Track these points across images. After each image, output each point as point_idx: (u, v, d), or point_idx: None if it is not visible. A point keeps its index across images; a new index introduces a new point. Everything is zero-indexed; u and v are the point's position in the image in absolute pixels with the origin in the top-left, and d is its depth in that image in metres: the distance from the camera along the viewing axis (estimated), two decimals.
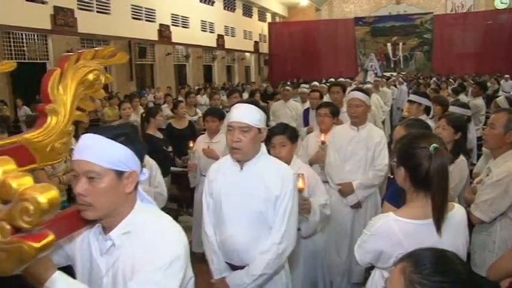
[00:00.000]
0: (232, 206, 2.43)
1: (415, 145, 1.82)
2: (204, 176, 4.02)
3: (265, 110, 7.67)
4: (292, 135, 3.23)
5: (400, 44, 27.78)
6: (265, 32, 30.40)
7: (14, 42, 13.26)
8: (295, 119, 7.00)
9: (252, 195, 2.38)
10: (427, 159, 1.76)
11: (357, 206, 3.96)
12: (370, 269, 2.11)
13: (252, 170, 2.42)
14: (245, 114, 2.38)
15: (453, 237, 1.80)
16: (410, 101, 4.52)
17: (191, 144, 4.65)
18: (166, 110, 8.85)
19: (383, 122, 8.89)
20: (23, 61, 13.73)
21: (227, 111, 5.57)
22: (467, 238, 1.91)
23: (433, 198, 1.76)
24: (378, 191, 4.12)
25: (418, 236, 1.74)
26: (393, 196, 2.43)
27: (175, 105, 6.54)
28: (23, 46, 13.59)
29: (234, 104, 4.71)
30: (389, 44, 27.94)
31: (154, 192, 3.61)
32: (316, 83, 12.05)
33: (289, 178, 2.43)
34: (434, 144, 1.76)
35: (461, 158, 3.11)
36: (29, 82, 15.57)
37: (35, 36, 13.97)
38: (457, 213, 1.87)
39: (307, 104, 6.91)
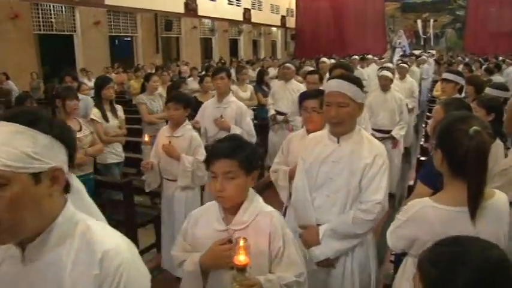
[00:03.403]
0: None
1: (454, 127, 1.72)
2: (167, 179, 3.80)
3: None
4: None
5: (431, 20, 26.97)
6: (293, 6, 29.95)
7: (42, 14, 13.37)
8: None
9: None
10: (465, 142, 1.66)
11: (325, 265, 2.49)
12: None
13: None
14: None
15: (493, 227, 1.70)
16: (446, 80, 4.35)
17: (146, 138, 3.70)
18: (192, 83, 8.83)
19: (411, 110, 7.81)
20: (51, 32, 13.86)
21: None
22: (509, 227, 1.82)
23: (469, 183, 1.67)
24: (372, 239, 2.61)
25: (455, 224, 1.66)
26: (428, 176, 2.34)
27: (202, 79, 6.49)
28: (51, 18, 13.68)
29: (220, 87, 4.48)
30: (419, 21, 27.16)
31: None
32: (325, 59, 10.34)
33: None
34: (474, 127, 1.66)
35: (497, 142, 2.98)
36: (57, 53, 15.83)
37: (63, 8, 14.05)
38: (498, 200, 1.76)
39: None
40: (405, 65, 8.17)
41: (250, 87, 7.21)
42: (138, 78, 10.27)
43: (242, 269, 1.64)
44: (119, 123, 4.91)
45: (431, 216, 1.72)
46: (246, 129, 4.45)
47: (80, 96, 4.82)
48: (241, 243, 1.63)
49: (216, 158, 1.79)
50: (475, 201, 1.66)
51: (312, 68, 7.44)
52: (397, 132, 5.60)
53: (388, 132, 5.60)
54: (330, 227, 2.41)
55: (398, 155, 5.89)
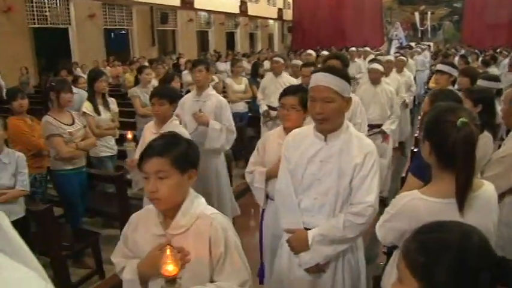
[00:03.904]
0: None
1: (441, 118, 1.71)
2: None
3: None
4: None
5: (429, 13, 26.94)
6: None
7: (36, 7, 13.28)
8: None
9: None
10: (452, 134, 1.64)
11: (315, 271, 2.37)
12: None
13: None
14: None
15: (481, 217, 1.69)
16: (440, 71, 4.33)
17: (129, 135, 3.55)
18: (187, 76, 8.78)
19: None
20: (45, 26, 13.77)
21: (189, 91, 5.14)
22: (497, 217, 1.81)
23: (457, 175, 1.66)
24: (361, 241, 2.53)
25: (443, 216, 1.64)
26: (419, 168, 2.33)
27: None
28: (46, 11, 13.59)
29: (198, 80, 4.22)
30: (417, 13, 27.11)
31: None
32: (310, 51, 9.63)
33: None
34: (462, 119, 1.64)
35: (485, 134, 2.98)
36: (52, 47, 15.75)
37: (57, 1, 13.95)
38: (486, 191, 1.75)
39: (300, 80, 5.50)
40: (403, 58, 8.03)
41: (245, 80, 7.19)
42: (133, 71, 10.22)
43: (171, 280, 1.51)
44: (112, 116, 4.89)
45: (419, 209, 1.71)
46: (226, 124, 4.26)
47: (75, 89, 4.80)
48: (168, 252, 1.51)
49: (146, 157, 1.67)
50: (463, 193, 1.65)
51: (301, 62, 7.32)
52: (388, 127, 5.45)
53: (379, 126, 5.45)
54: (320, 232, 2.28)
55: (389, 152, 5.70)
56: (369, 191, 2.22)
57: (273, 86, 6.25)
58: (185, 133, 3.57)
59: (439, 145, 1.70)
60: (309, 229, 2.31)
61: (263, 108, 6.35)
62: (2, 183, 3.26)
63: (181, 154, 1.70)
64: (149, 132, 3.62)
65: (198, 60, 4.71)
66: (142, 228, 1.80)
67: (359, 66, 10.44)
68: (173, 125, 3.58)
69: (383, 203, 5.16)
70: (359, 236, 2.33)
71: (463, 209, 1.66)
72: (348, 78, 2.27)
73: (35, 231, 3.59)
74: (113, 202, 4.29)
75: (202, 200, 1.81)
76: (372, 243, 4.36)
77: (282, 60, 6.73)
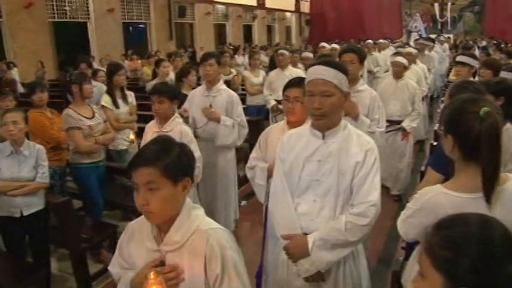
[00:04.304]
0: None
1: (463, 110, 1.66)
2: None
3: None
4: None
5: (449, 4, 26.36)
6: None
7: (56, 2, 13.40)
8: None
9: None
10: (476, 125, 1.60)
11: (315, 279, 2.20)
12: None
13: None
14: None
15: (509, 212, 1.62)
16: (461, 63, 4.23)
17: (131, 136, 3.39)
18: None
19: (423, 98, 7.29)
20: (65, 20, 13.91)
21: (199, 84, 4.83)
22: None
23: (483, 167, 1.61)
24: (363, 248, 2.39)
25: (468, 210, 1.61)
26: (438, 162, 2.29)
27: None
28: (65, 6, 13.71)
29: (209, 74, 4.07)
30: (436, 4, 26.56)
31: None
32: (324, 43, 9.44)
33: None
34: (484, 108, 1.60)
35: (508, 126, 2.91)
36: (71, 41, 15.91)
37: None
38: (511, 186, 1.68)
39: None
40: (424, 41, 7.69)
41: (262, 73, 7.16)
42: (151, 65, 10.27)
43: None
44: (130, 109, 4.92)
45: (444, 204, 1.66)
46: (238, 119, 4.17)
47: (94, 83, 4.83)
48: (152, 276, 1.41)
49: (134, 166, 1.51)
50: (490, 185, 1.61)
51: (311, 54, 7.16)
52: (408, 124, 5.23)
53: (399, 123, 5.25)
54: (320, 236, 2.11)
55: (410, 151, 5.52)
56: (371, 189, 2.09)
57: (279, 81, 5.86)
58: (188, 132, 3.53)
59: (463, 138, 1.66)
60: (308, 234, 2.15)
61: (271, 103, 6.18)
62: (23, 175, 3.31)
63: (173, 162, 1.52)
64: (151, 131, 3.56)
65: (208, 53, 4.52)
66: (136, 240, 1.67)
67: (376, 59, 10.28)
68: (175, 123, 3.51)
69: (400, 201, 5.16)
70: (362, 238, 2.16)
71: (490, 201, 1.61)
72: (346, 72, 2.15)
73: (55, 223, 3.63)
74: (132, 195, 4.31)
75: (200, 211, 1.65)
76: (389, 241, 4.33)
77: (287, 53, 6.55)
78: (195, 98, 4.28)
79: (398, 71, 5.34)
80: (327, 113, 2.07)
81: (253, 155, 2.97)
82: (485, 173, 1.61)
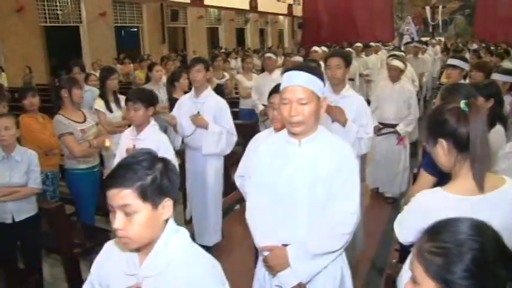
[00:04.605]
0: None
1: (443, 111, 1.66)
2: None
3: None
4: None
5: (440, 7, 26.62)
6: None
7: (48, 6, 13.36)
8: None
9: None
10: (462, 117, 1.61)
11: None
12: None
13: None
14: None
15: (506, 214, 1.60)
16: (452, 66, 4.26)
17: (107, 143, 3.33)
18: None
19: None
20: (57, 25, 13.87)
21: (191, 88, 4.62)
22: None
23: (472, 157, 1.61)
24: (345, 256, 2.24)
25: (467, 213, 1.60)
26: (431, 165, 2.29)
27: None
28: (57, 10, 13.67)
29: (196, 80, 3.90)
30: (428, 8, 26.82)
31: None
32: (316, 48, 9.58)
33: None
34: (463, 101, 1.60)
35: (497, 127, 2.93)
36: (63, 45, 15.84)
37: None
38: (510, 188, 1.67)
39: None
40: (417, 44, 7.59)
41: (255, 76, 7.16)
42: (143, 69, 10.24)
43: None
44: (123, 113, 4.90)
45: (442, 206, 1.63)
46: (227, 126, 4.03)
47: (87, 87, 4.81)
48: None
49: (107, 187, 1.34)
50: (480, 172, 1.62)
51: (300, 58, 6.96)
52: (402, 128, 5.17)
53: (394, 126, 5.22)
54: (300, 246, 2.03)
55: (406, 155, 5.45)
56: (350, 197, 2.03)
57: (268, 85, 5.66)
58: (165, 141, 3.39)
59: (454, 135, 1.65)
60: (287, 245, 2.08)
61: (259, 108, 6.04)
62: (14, 181, 3.28)
63: (153, 182, 1.34)
64: (126, 138, 3.41)
65: (196, 58, 4.30)
66: (114, 259, 1.51)
67: (366, 62, 10.32)
68: (152, 131, 3.36)
69: (394, 203, 5.17)
70: (344, 246, 2.09)
71: (483, 189, 1.61)
72: (322, 77, 2.03)
73: (47, 229, 3.61)
74: None
75: (184, 235, 1.47)
76: (382, 245, 4.33)
77: (274, 57, 6.45)
78: (183, 104, 4.16)
79: (395, 75, 5.28)
80: (304, 121, 1.96)
81: (241, 163, 2.91)
82: (474, 164, 1.61)
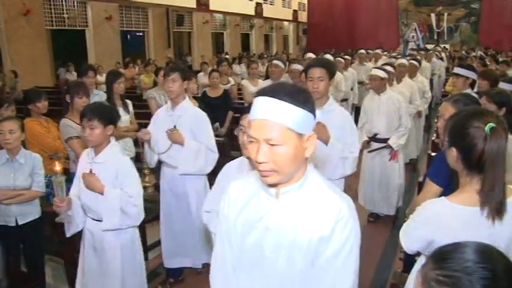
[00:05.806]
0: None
1: (468, 124, 1.64)
2: (93, 218, 2.88)
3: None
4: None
5: (445, 14, 26.61)
6: (305, 0, 29.73)
7: (54, 9, 13.44)
8: None
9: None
10: (482, 140, 1.59)
11: None
12: None
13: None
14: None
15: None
16: (457, 75, 4.25)
17: (57, 167, 2.62)
18: (202, 78, 8.81)
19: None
20: (63, 28, 13.94)
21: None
22: None
23: (483, 181, 1.60)
24: None
25: (473, 224, 1.59)
26: (437, 173, 2.28)
27: (210, 73, 6.47)
28: (63, 13, 13.75)
29: (171, 91, 3.40)
30: (433, 15, 26.82)
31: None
32: (311, 54, 8.84)
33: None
34: (490, 124, 1.59)
35: (509, 137, 2.91)
36: (69, 48, 15.92)
37: (75, 3, 14.10)
38: None
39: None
40: (415, 62, 7.14)
41: (261, 82, 7.15)
42: (149, 73, 10.29)
43: None
44: (130, 118, 4.90)
45: (448, 217, 1.64)
46: (205, 143, 3.54)
47: (95, 91, 4.78)
48: None
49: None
50: (487, 200, 1.59)
51: (301, 67, 6.91)
52: (395, 141, 4.75)
53: (385, 140, 4.81)
54: None
55: (400, 171, 4.99)
56: (344, 275, 1.43)
57: None
58: (127, 164, 2.88)
59: (467, 152, 1.65)
60: None
61: None
62: (18, 184, 3.28)
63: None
64: (84, 161, 2.94)
65: (171, 68, 3.81)
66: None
67: (369, 70, 10.19)
68: (111, 152, 2.84)
69: (395, 217, 4.99)
70: None
71: (493, 217, 1.59)
72: (312, 105, 1.39)
73: (50, 232, 3.60)
74: None
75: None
76: (380, 268, 4.19)
77: (281, 65, 6.09)
78: (158, 118, 3.72)
79: (376, 85, 4.85)
80: (278, 169, 1.35)
81: (209, 196, 2.54)
82: (485, 187, 1.60)
